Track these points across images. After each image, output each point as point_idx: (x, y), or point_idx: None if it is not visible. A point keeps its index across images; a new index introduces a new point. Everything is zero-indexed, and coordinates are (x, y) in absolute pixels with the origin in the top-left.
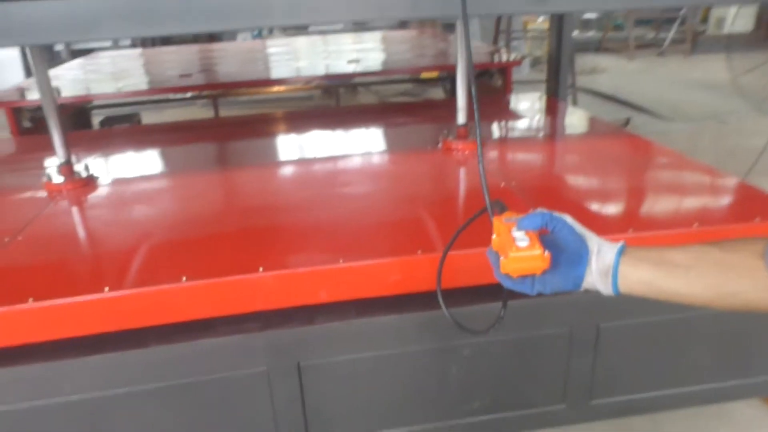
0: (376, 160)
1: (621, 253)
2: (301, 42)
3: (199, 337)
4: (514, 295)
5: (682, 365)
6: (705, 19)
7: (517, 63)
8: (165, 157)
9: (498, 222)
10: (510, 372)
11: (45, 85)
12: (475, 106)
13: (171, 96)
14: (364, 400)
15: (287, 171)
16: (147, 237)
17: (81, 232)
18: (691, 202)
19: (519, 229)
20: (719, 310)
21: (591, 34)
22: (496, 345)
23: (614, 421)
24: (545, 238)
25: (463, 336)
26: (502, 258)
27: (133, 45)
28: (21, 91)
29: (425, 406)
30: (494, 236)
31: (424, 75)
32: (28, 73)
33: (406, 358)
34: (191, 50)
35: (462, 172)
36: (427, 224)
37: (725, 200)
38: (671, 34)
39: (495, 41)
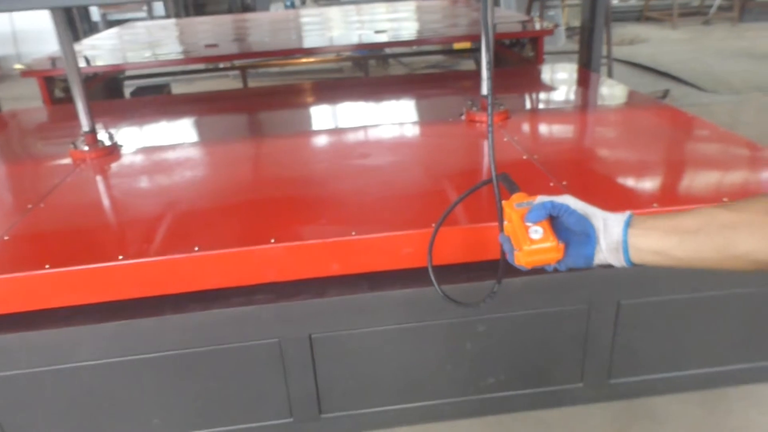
0: (397, 131)
1: (628, 225)
2: (332, 12)
3: (211, 307)
4: (512, 271)
5: (706, 345)
6: None
7: (549, 32)
8: (188, 127)
9: (509, 208)
10: (526, 349)
11: (69, 53)
12: (487, 73)
13: (201, 67)
14: (376, 374)
15: (308, 142)
16: (163, 206)
17: (99, 200)
18: (722, 177)
19: (527, 221)
20: (731, 271)
21: (632, 2)
22: (512, 321)
23: (633, 401)
24: (554, 222)
25: (478, 312)
26: (516, 251)
27: (167, 15)
28: (53, 61)
29: (438, 382)
30: (506, 222)
31: (457, 46)
32: None
33: (419, 333)
34: (224, 20)
35: (483, 145)
36: (443, 197)
37: (759, 175)
38: (717, 1)
39: (528, 11)
